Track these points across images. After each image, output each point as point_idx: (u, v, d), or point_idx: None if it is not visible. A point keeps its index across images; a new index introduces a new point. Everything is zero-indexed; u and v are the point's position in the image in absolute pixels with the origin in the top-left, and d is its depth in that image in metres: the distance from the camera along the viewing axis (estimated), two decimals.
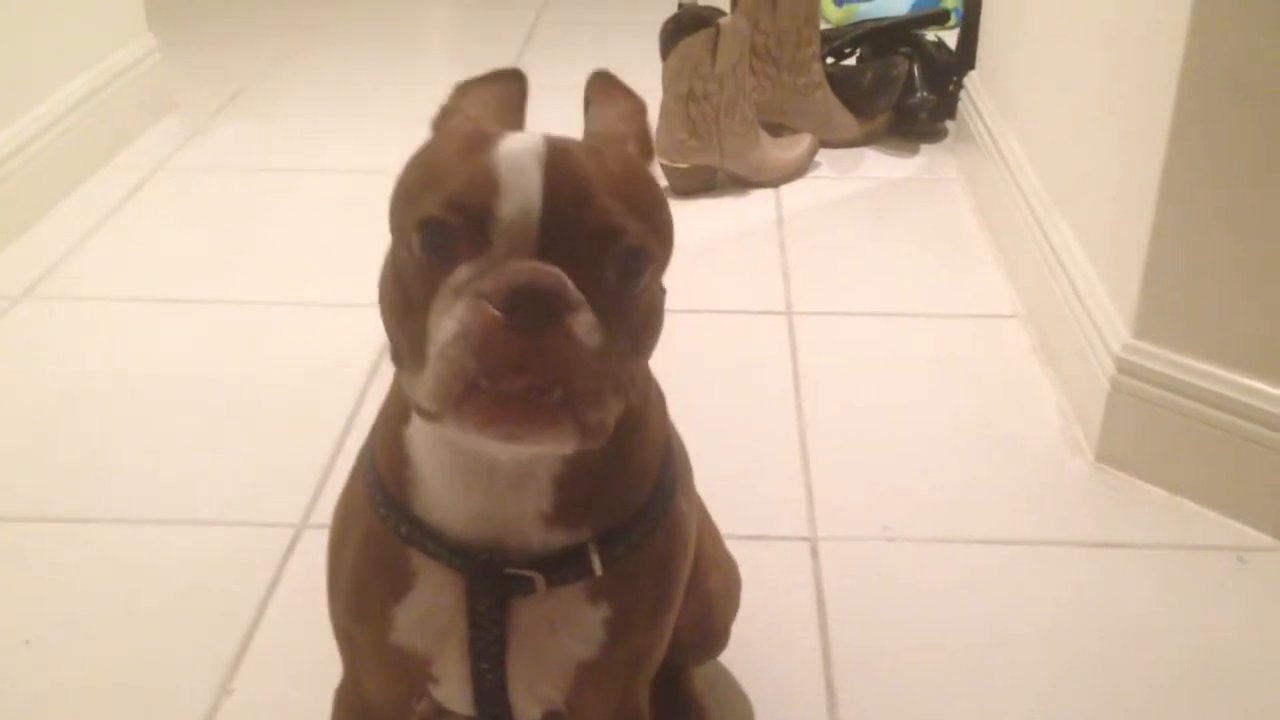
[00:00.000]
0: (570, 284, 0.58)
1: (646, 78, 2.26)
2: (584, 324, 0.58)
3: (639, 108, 0.75)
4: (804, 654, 1.15)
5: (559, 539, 0.70)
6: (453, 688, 0.75)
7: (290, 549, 1.26)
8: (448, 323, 0.57)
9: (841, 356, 1.65)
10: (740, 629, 1.06)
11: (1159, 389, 1.33)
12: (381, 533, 0.72)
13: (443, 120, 0.71)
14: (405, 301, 0.62)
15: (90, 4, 2.21)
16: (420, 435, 0.69)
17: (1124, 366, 1.35)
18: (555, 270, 0.58)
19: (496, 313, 0.56)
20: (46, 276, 1.83)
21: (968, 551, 1.29)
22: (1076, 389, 1.49)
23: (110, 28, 2.29)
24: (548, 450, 0.64)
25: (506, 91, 0.76)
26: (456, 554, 0.70)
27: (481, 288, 0.57)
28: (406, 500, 0.71)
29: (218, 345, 1.67)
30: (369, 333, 1.65)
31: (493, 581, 0.70)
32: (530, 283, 0.57)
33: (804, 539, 1.29)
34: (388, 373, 1.73)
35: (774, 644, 1.15)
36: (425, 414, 0.60)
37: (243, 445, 1.45)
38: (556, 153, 0.61)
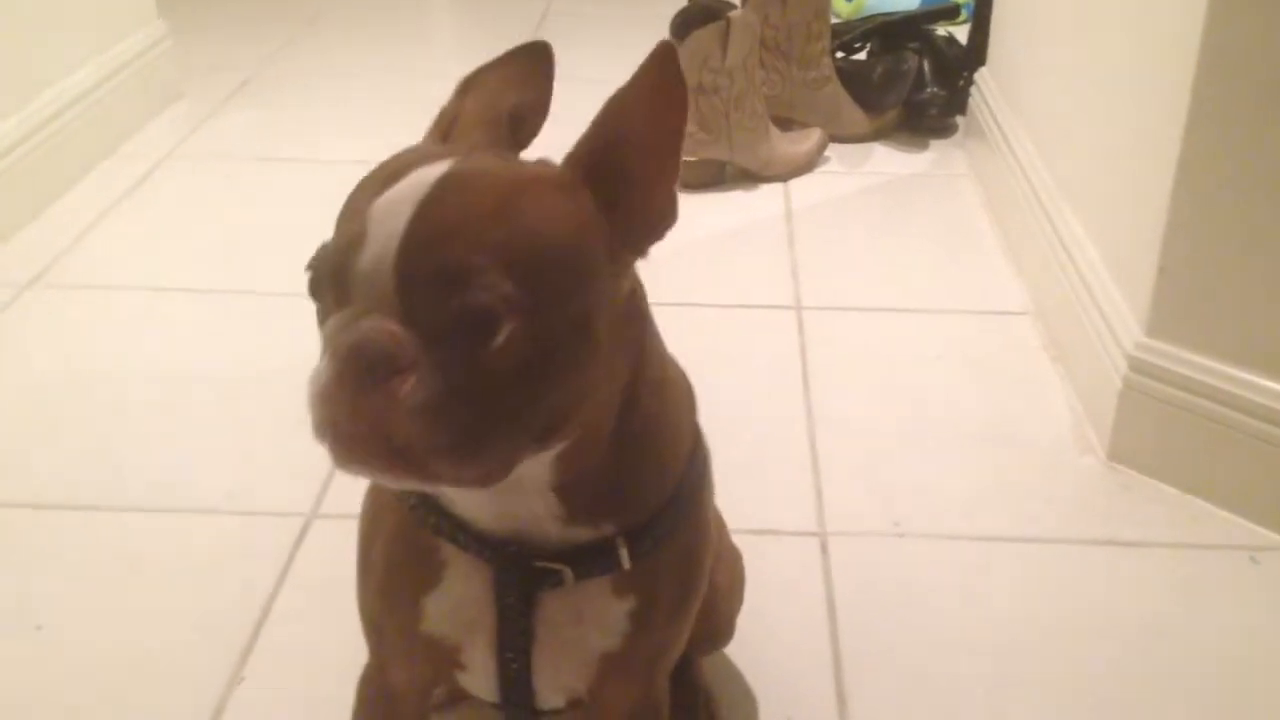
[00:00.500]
0: (402, 345, 0.57)
1: None
2: (411, 385, 0.57)
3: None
4: (813, 648, 1.15)
5: (581, 534, 0.70)
6: (479, 675, 0.76)
7: (300, 539, 1.26)
8: (313, 371, 0.60)
9: (851, 351, 1.65)
10: (750, 624, 1.06)
11: (1172, 388, 1.32)
12: (411, 525, 0.73)
13: (437, 125, 0.71)
14: None
15: None
16: None
17: (1136, 365, 1.35)
18: (389, 331, 0.57)
19: (332, 371, 0.58)
20: (55, 264, 1.83)
21: (978, 548, 1.28)
22: (1087, 386, 1.49)
23: (121, 13, 2.28)
24: (424, 486, 0.64)
25: (523, 72, 0.73)
26: (485, 545, 0.70)
27: (327, 345, 0.59)
28: (435, 492, 0.71)
29: (225, 334, 1.67)
30: None
31: (521, 573, 0.70)
32: (355, 346, 0.58)
33: (813, 534, 1.29)
34: None
35: (784, 638, 1.15)
36: None
37: (251, 435, 1.44)
38: (435, 197, 0.58)
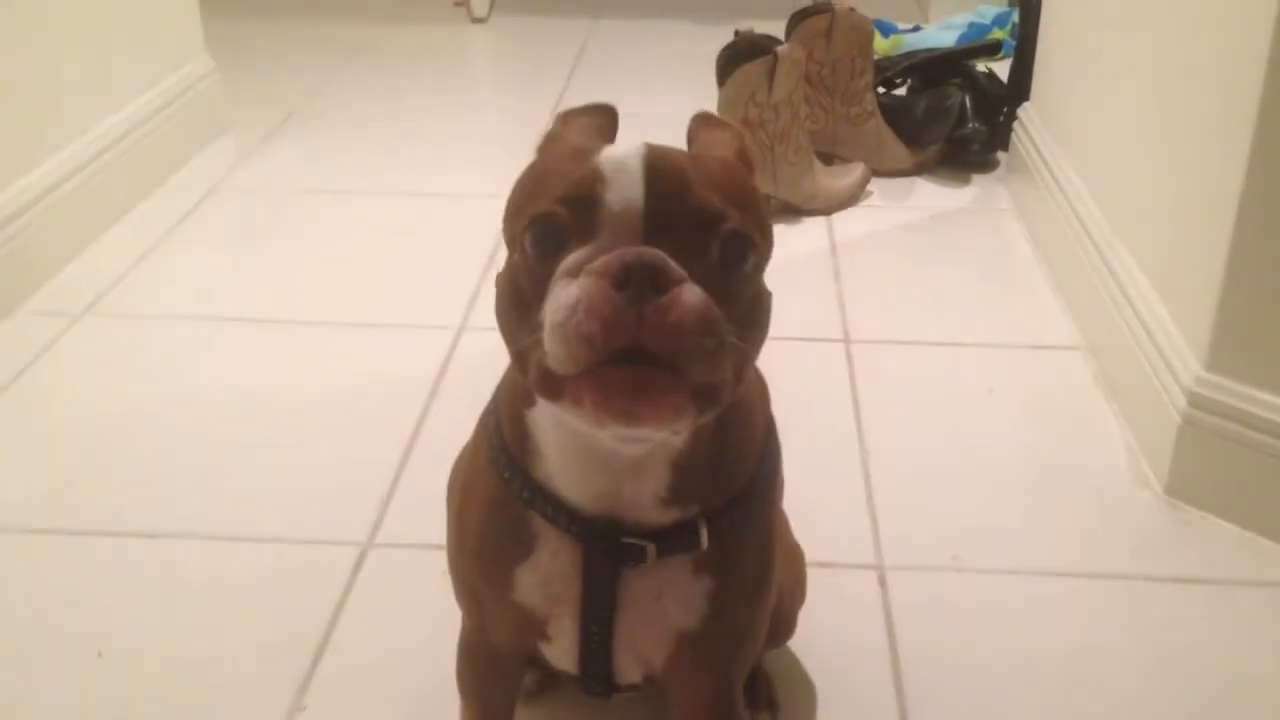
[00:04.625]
0: (673, 263, 0.61)
1: (697, 107, 2.27)
2: (691, 292, 0.60)
3: (737, 132, 0.79)
4: (875, 679, 1.13)
5: (672, 516, 0.74)
6: (562, 646, 0.79)
7: (357, 567, 1.26)
8: (567, 292, 0.60)
9: (901, 385, 1.64)
10: (812, 654, 1.06)
11: (1232, 422, 1.31)
12: (505, 497, 0.76)
13: (547, 144, 0.76)
14: (522, 304, 0.65)
15: (152, 24, 2.24)
16: (542, 419, 0.72)
17: (1195, 400, 1.34)
18: (659, 251, 0.61)
19: (609, 287, 0.59)
20: (106, 294, 1.84)
21: (1038, 583, 1.27)
22: (1144, 422, 1.48)
23: (170, 48, 2.32)
24: (663, 432, 0.65)
25: (601, 122, 0.81)
26: (575, 521, 0.73)
27: (593, 266, 0.60)
28: (529, 466, 0.74)
29: (277, 364, 1.68)
30: (424, 353, 1.67)
31: (608, 549, 0.73)
32: (638, 258, 0.60)
33: (872, 567, 1.28)
34: (447, 393, 1.71)
35: (846, 669, 1.14)
36: (546, 389, 0.63)
37: (303, 464, 1.45)
38: (656, 153, 0.65)
